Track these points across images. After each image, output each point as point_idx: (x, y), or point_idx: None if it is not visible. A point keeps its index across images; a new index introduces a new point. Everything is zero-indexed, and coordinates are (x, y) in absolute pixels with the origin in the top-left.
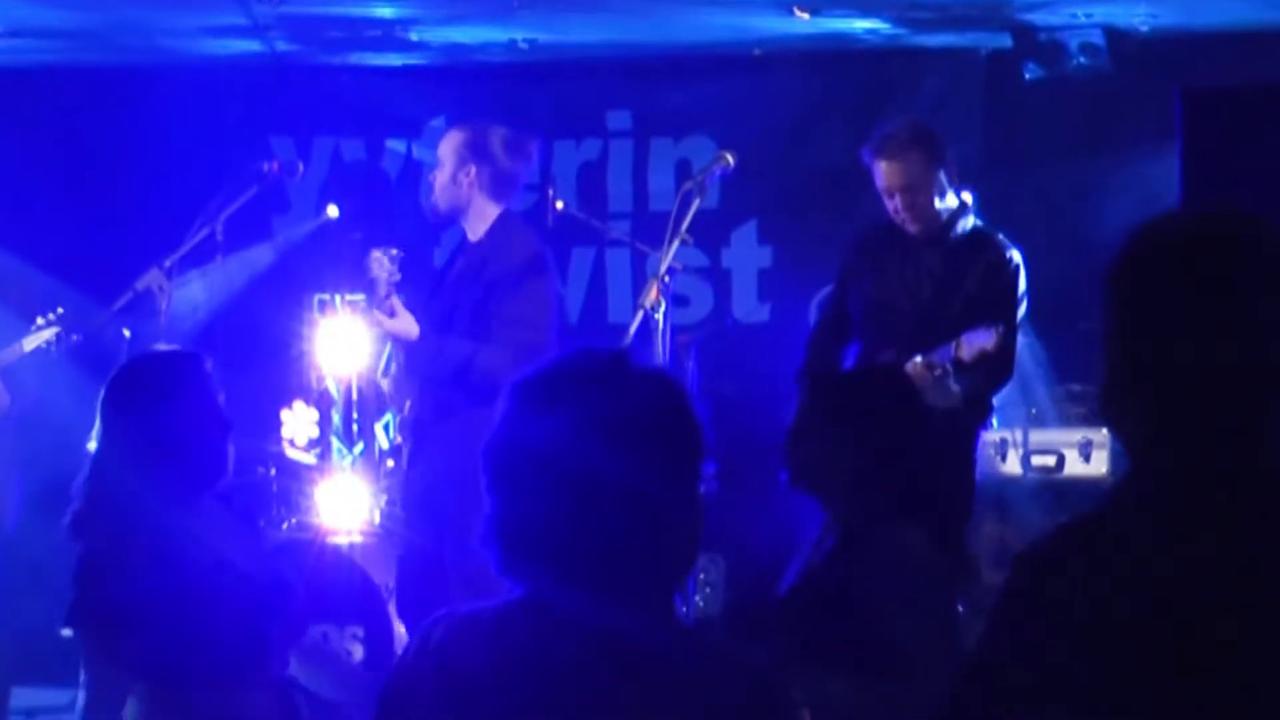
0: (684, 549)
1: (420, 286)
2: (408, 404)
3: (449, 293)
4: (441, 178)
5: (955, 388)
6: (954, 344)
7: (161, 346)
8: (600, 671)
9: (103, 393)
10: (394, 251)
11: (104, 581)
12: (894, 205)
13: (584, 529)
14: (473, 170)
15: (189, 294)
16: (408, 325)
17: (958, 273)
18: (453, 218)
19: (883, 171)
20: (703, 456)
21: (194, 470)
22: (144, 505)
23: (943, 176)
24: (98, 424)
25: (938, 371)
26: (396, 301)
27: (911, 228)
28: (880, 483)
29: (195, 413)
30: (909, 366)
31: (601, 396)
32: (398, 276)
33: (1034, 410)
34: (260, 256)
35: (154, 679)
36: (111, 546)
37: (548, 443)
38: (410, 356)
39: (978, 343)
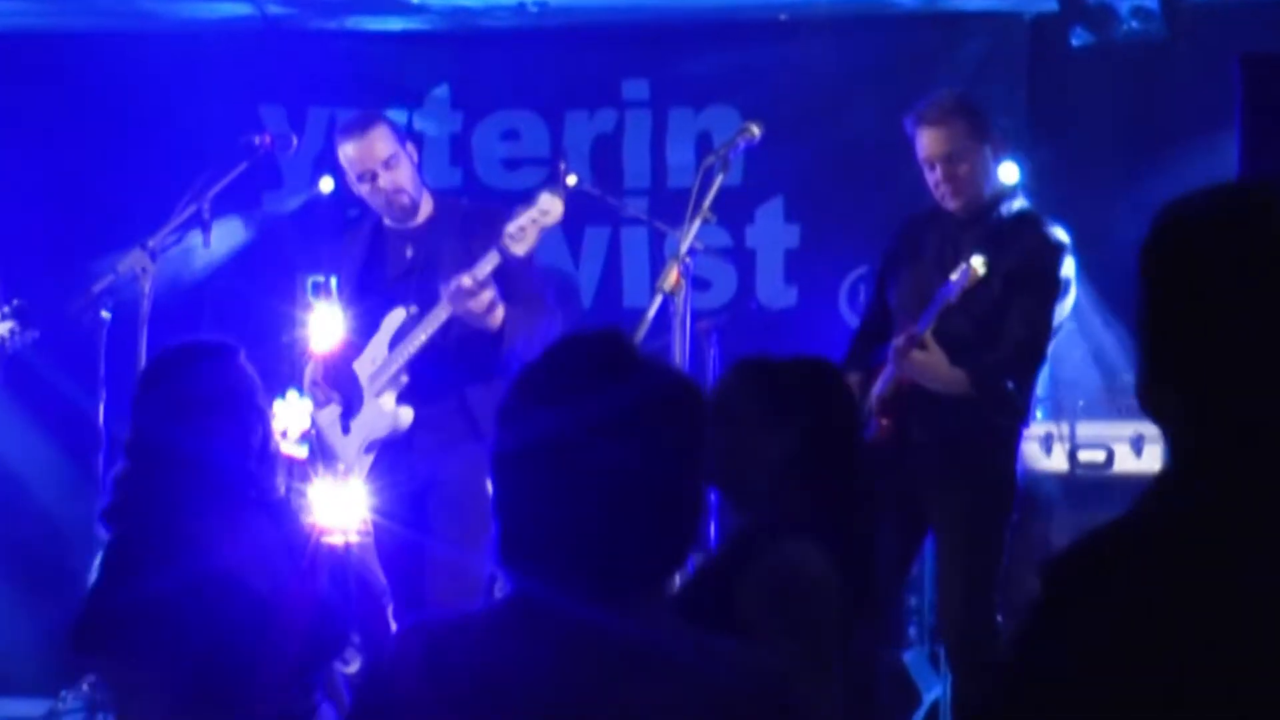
0: (683, 545)
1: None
2: (378, 401)
3: (423, 281)
4: (404, 174)
5: (957, 371)
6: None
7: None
8: (599, 674)
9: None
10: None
11: (112, 586)
12: (935, 177)
13: (581, 524)
14: (413, 150)
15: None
16: (494, 297)
17: (998, 254)
18: (414, 212)
19: (924, 139)
20: (704, 446)
21: (223, 471)
22: (166, 505)
23: (988, 152)
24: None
25: (901, 343)
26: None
27: (952, 203)
28: (796, 485)
29: (225, 407)
30: (891, 349)
31: (597, 384)
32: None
33: (1082, 401)
34: (243, 229)
35: (151, 700)
36: (128, 547)
37: (542, 435)
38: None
39: (959, 283)
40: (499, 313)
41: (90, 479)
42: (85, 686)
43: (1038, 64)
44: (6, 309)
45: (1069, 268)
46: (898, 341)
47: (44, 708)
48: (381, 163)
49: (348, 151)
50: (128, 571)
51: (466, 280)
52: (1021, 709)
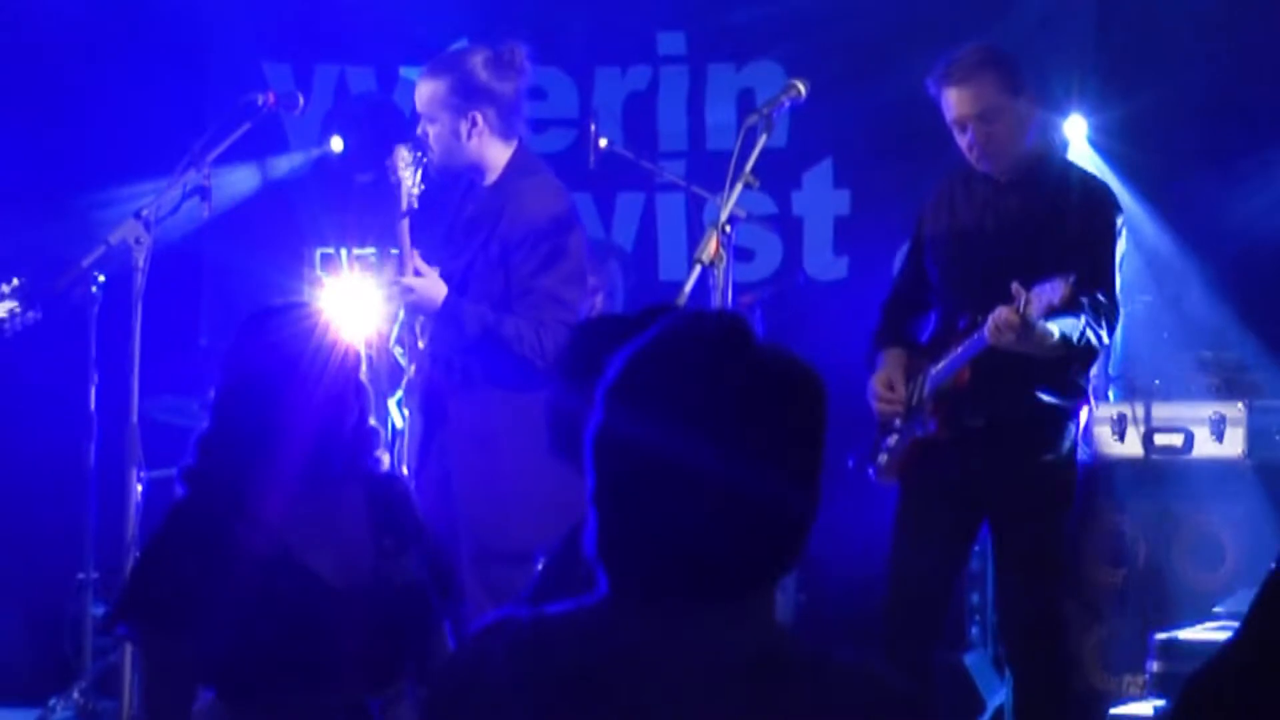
0: (797, 546)
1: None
2: (412, 368)
3: (460, 244)
4: (437, 134)
5: (1054, 331)
6: (1021, 297)
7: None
8: (704, 684)
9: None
10: (419, 154)
11: (184, 548)
12: (967, 140)
13: (690, 524)
14: (478, 117)
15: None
16: (435, 287)
17: (1047, 219)
18: (469, 172)
19: (952, 100)
20: (823, 444)
21: (303, 445)
22: (233, 477)
23: (1024, 106)
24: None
25: (1014, 318)
26: (418, 258)
27: (988, 166)
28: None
29: (314, 376)
30: (994, 318)
31: (716, 373)
32: (421, 187)
33: (1158, 380)
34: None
35: (223, 686)
36: (186, 517)
37: (653, 425)
38: (437, 326)
39: (1045, 296)
40: (441, 296)
41: (82, 473)
42: (76, 694)
43: (1109, 10)
44: (6, 288)
45: (1121, 219)
46: (1002, 314)
47: (33, 716)
48: (420, 113)
49: None
50: (179, 544)
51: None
52: None
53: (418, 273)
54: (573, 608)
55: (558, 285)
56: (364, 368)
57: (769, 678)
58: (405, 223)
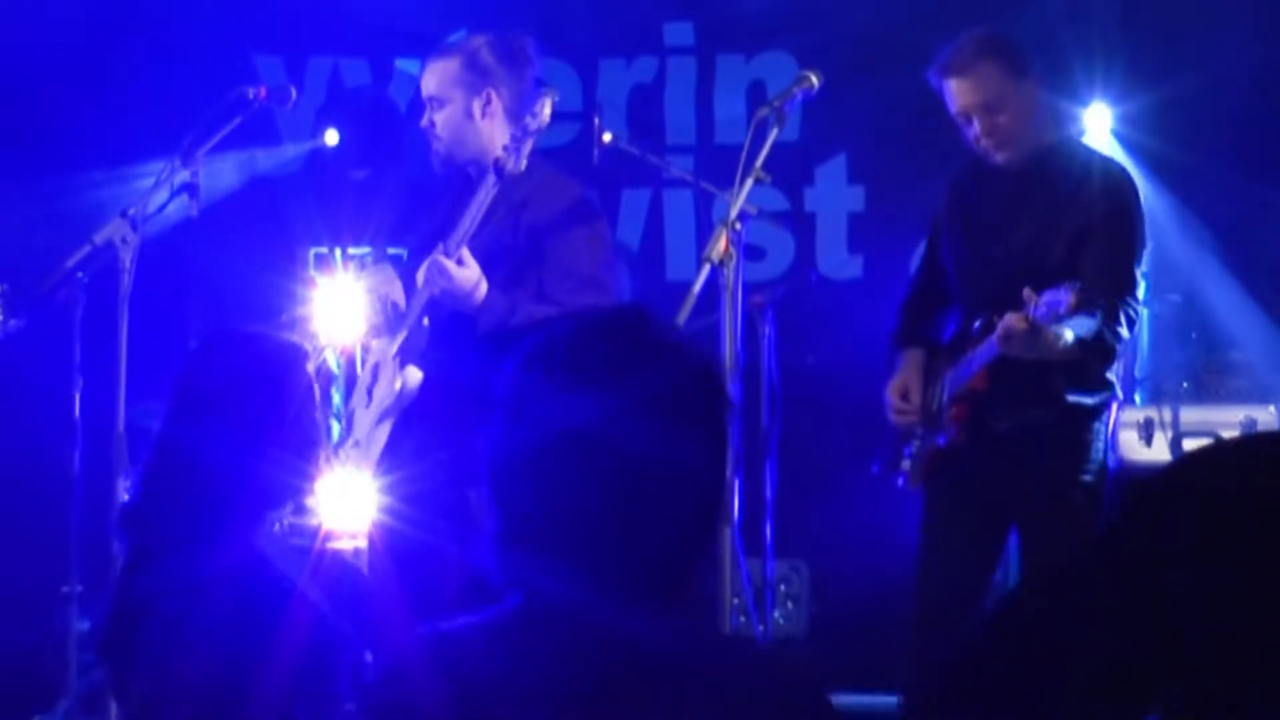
0: (702, 542)
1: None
2: (403, 367)
3: (476, 242)
4: (448, 116)
5: (1065, 336)
6: (1032, 303)
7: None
8: (625, 682)
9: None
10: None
11: (128, 602)
12: (973, 132)
13: (598, 521)
14: (492, 95)
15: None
16: (471, 278)
17: (1063, 209)
18: (473, 163)
19: (954, 91)
20: (726, 438)
21: (264, 488)
22: (188, 511)
23: (1030, 90)
24: (169, 404)
25: (1023, 325)
26: (468, 250)
27: (997, 157)
28: None
29: (280, 420)
30: (1004, 324)
31: (615, 369)
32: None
33: (1186, 384)
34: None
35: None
36: (146, 551)
37: (554, 424)
38: (460, 319)
39: (1053, 306)
40: (481, 292)
41: (66, 483)
42: (61, 712)
43: None
44: None
45: (1142, 205)
46: (1010, 322)
47: None
48: (428, 98)
49: None
50: (140, 577)
51: (440, 257)
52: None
53: (463, 261)
54: (490, 618)
55: (598, 270)
56: (318, 407)
57: (695, 670)
58: (494, 192)
